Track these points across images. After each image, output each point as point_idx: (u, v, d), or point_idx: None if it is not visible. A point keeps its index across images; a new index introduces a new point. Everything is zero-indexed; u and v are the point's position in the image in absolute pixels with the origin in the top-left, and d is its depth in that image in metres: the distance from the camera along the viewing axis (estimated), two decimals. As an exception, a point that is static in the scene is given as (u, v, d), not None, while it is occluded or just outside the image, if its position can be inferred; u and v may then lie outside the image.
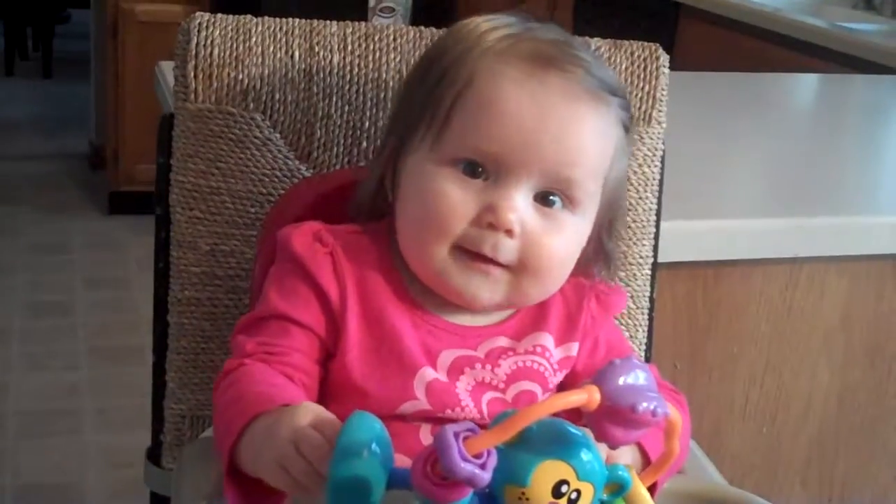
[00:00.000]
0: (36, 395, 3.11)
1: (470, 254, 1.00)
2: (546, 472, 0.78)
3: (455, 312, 1.05)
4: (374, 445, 0.78)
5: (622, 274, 1.31)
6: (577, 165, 1.00)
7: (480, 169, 1.00)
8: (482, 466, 0.73)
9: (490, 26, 1.04)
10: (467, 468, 0.72)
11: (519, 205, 0.99)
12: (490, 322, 1.07)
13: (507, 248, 1.00)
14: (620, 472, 0.82)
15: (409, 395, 1.01)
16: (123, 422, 2.94)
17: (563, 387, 1.08)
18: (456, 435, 0.73)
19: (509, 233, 0.99)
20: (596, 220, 1.07)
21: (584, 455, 0.79)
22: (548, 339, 1.07)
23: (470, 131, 1.00)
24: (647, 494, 0.85)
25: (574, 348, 1.09)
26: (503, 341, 1.06)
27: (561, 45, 1.03)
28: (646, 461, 1.01)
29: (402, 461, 0.99)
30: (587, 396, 0.77)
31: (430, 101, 1.03)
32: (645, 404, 0.77)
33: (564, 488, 0.78)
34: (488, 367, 1.04)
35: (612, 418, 0.78)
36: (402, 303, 1.04)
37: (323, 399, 1.01)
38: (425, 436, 1.01)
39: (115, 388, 3.12)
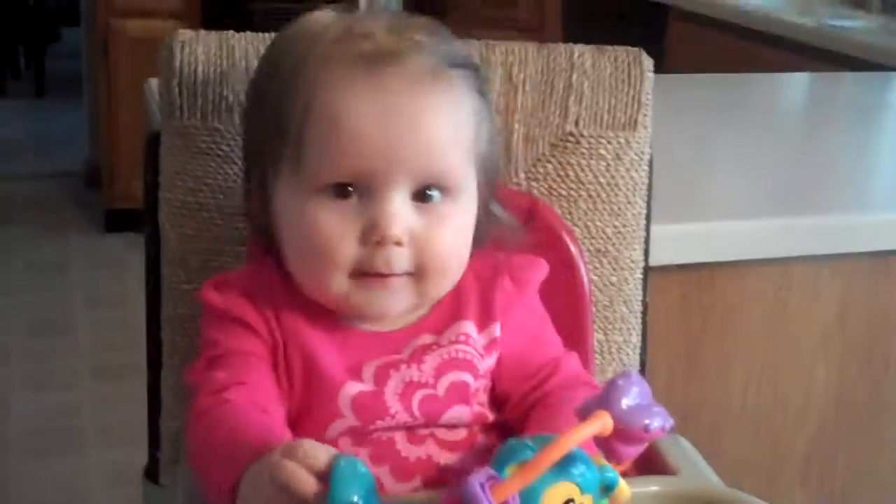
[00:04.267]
0: (38, 414, 3.11)
1: (366, 274, 0.99)
2: (554, 495, 0.78)
3: (375, 321, 1.04)
4: (360, 502, 0.77)
5: (614, 279, 1.31)
6: (441, 156, 0.99)
7: (350, 188, 0.98)
8: None
9: (318, 29, 1.01)
10: None
11: (398, 213, 0.98)
12: (411, 321, 1.05)
13: (401, 259, 0.99)
14: (609, 474, 0.82)
15: (335, 415, 1.00)
16: (126, 439, 2.93)
17: (495, 375, 1.07)
18: (482, 486, 0.73)
19: (398, 244, 0.98)
20: (478, 191, 1.06)
21: (583, 468, 0.80)
22: (469, 326, 1.06)
23: (325, 154, 0.98)
24: (627, 487, 0.85)
25: (496, 329, 1.07)
26: (426, 338, 1.05)
27: (392, 30, 1.00)
28: None
29: None
30: (601, 424, 0.78)
31: (277, 125, 1.01)
32: (657, 422, 0.79)
33: None
34: (413, 365, 1.03)
35: (624, 439, 0.79)
36: (321, 323, 1.03)
37: None
38: (345, 445, 1.00)
39: (117, 406, 3.12)
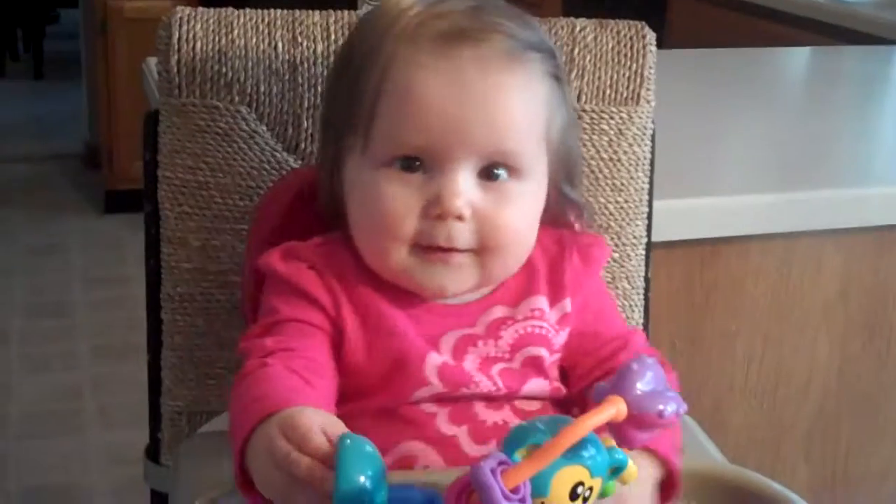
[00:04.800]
0: (37, 396, 3.11)
1: (428, 248, 0.99)
2: (563, 479, 0.77)
3: (436, 298, 1.04)
4: (368, 483, 0.76)
5: (616, 255, 1.30)
6: (509, 136, 0.99)
7: (417, 163, 0.99)
8: (521, 500, 0.73)
9: (399, 9, 1.02)
10: None
11: (463, 188, 0.98)
12: (483, 294, 1.06)
13: (463, 234, 0.99)
14: (618, 456, 0.82)
15: (421, 382, 1.00)
16: (126, 420, 2.93)
17: (566, 347, 1.08)
18: (493, 472, 0.72)
19: (460, 218, 0.98)
20: (550, 176, 1.06)
21: (593, 451, 0.79)
22: (542, 302, 1.07)
23: (395, 128, 0.99)
24: (634, 468, 0.84)
25: (567, 305, 1.08)
26: (500, 311, 1.05)
27: (473, 12, 1.01)
28: (668, 472, 1.00)
29: (417, 450, 0.99)
30: (615, 409, 0.77)
31: (352, 101, 1.02)
32: (671, 407, 0.78)
33: (580, 489, 0.78)
34: (490, 341, 1.04)
35: (638, 425, 0.78)
36: (392, 297, 1.03)
37: (339, 398, 1.00)
38: (442, 423, 1.00)
39: (117, 387, 3.13)
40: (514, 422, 1.01)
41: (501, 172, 1.00)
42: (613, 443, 0.81)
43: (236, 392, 0.96)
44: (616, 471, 0.82)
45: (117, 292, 3.75)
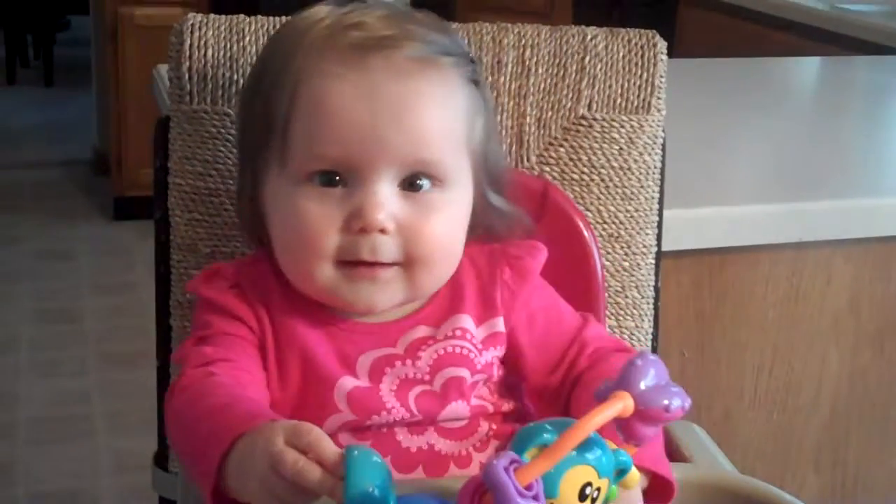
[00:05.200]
0: (46, 401, 3.11)
1: (352, 264, 0.98)
2: (572, 479, 0.78)
3: (364, 316, 1.03)
4: (377, 492, 0.76)
5: (626, 264, 1.30)
6: (428, 144, 0.98)
7: (336, 177, 0.97)
8: (535, 497, 0.72)
9: (309, 21, 1.01)
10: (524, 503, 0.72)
11: (383, 201, 0.96)
12: (406, 313, 1.04)
13: (387, 247, 0.97)
14: (623, 458, 0.82)
15: (331, 409, 0.99)
16: (134, 426, 2.93)
17: (506, 362, 1.06)
18: (506, 470, 0.72)
19: (383, 231, 0.97)
20: (475, 183, 1.04)
21: (599, 452, 0.79)
22: (467, 321, 1.05)
23: (310, 141, 0.97)
24: (636, 472, 0.85)
25: (499, 324, 1.06)
26: (422, 331, 1.04)
27: (386, 20, 0.99)
28: (648, 472, 0.99)
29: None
30: (622, 405, 0.77)
31: (267, 118, 1.00)
32: (676, 402, 0.78)
33: (588, 489, 0.78)
34: (409, 361, 1.02)
35: (644, 420, 0.79)
36: (313, 317, 1.02)
37: None
38: (344, 439, 0.99)
39: (125, 393, 3.13)
40: (439, 443, 1.01)
41: (424, 182, 0.99)
42: (617, 445, 0.82)
43: (182, 402, 0.94)
44: (620, 473, 0.82)
45: (126, 299, 3.75)
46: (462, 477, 0.79)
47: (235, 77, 1.20)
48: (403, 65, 0.97)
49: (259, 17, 1.23)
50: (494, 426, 1.04)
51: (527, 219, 1.13)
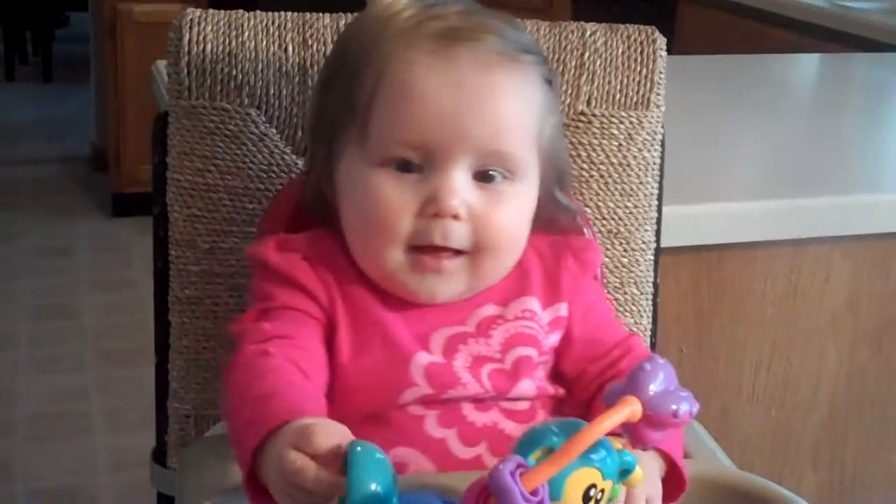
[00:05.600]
0: (44, 398, 3.11)
1: (423, 249, 1.00)
2: (577, 482, 0.77)
3: (425, 303, 1.04)
4: (380, 489, 0.76)
5: (625, 260, 1.30)
6: (503, 136, 1.00)
7: (414, 163, 0.99)
8: (541, 502, 0.72)
9: (394, 10, 1.03)
10: None
11: (459, 188, 0.99)
12: (475, 292, 1.05)
13: (458, 233, 0.99)
14: (627, 458, 0.82)
15: (407, 383, 1.00)
16: (132, 423, 2.93)
17: (559, 352, 1.08)
18: (512, 475, 0.72)
19: (456, 217, 0.99)
20: (541, 179, 1.06)
21: (604, 454, 0.79)
22: (534, 303, 1.07)
23: (391, 126, 0.99)
24: (641, 472, 0.84)
25: (562, 308, 1.08)
26: (491, 309, 1.05)
27: (466, 15, 1.01)
28: (668, 461, 1.00)
29: (406, 456, 0.99)
30: (630, 410, 0.77)
31: (347, 101, 1.02)
32: (684, 406, 0.79)
33: (592, 491, 0.78)
34: (481, 340, 1.04)
35: (652, 425, 0.78)
36: (382, 294, 1.03)
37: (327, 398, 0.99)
38: (431, 426, 1.01)
39: (123, 390, 3.12)
40: (503, 423, 1.02)
41: (496, 174, 1.01)
42: (621, 445, 0.81)
43: (236, 380, 0.95)
44: (624, 473, 0.82)
45: (124, 295, 3.75)
46: (466, 475, 0.79)
47: (234, 72, 1.20)
48: (488, 58, 0.99)
49: (258, 12, 1.23)
50: (548, 415, 1.06)
51: (578, 213, 1.17)
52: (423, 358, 1.01)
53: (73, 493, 2.71)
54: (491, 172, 1.00)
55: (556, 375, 1.09)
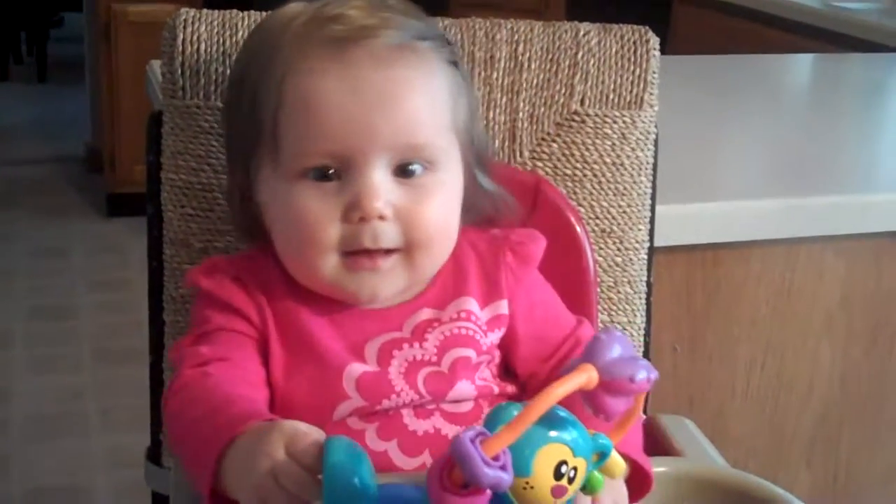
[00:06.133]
0: (40, 398, 3.11)
1: (355, 254, 0.99)
2: (545, 458, 0.78)
3: (368, 304, 1.04)
4: (357, 481, 0.76)
5: (619, 259, 1.30)
6: (416, 129, 0.99)
7: (331, 171, 0.98)
8: (503, 468, 0.73)
9: (286, 19, 1.02)
10: (491, 473, 0.72)
11: (379, 188, 0.98)
12: (410, 297, 1.05)
13: (388, 233, 0.99)
14: (602, 441, 0.82)
15: (341, 397, 0.99)
16: (128, 422, 2.93)
17: (503, 348, 1.07)
18: (472, 441, 0.72)
19: (382, 218, 0.98)
20: (463, 164, 1.05)
21: (574, 431, 0.79)
22: (471, 303, 1.06)
23: (300, 140, 0.98)
24: (620, 459, 0.85)
25: (503, 306, 1.07)
26: (427, 313, 1.05)
27: (360, 10, 1.00)
28: (629, 461, 0.99)
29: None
30: (586, 376, 0.78)
31: (254, 121, 1.01)
32: (642, 373, 0.79)
33: (564, 468, 0.78)
34: (416, 344, 1.03)
35: (610, 391, 0.79)
36: (318, 307, 1.03)
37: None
38: (371, 439, 0.99)
39: (119, 390, 3.13)
40: (445, 428, 1.02)
41: (416, 167, 1.00)
42: (595, 431, 0.82)
43: (179, 404, 0.95)
44: (601, 457, 0.83)
45: (119, 295, 3.75)
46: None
47: (228, 72, 1.19)
48: (384, 53, 0.98)
49: (252, 12, 1.23)
50: None
51: (512, 200, 1.14)
52: (355, 370, 1.00)
53: (69, 492, 2.71)
54: (411, 167, 0.99)
55: (508, 374, 1.08)
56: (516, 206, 1.15)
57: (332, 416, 0.99)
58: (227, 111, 1.10)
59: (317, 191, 0.99)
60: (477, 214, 1.10)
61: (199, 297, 1.06)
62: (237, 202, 1.08)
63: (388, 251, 1.00)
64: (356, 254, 0.99)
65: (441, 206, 1.02)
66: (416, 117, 0.99)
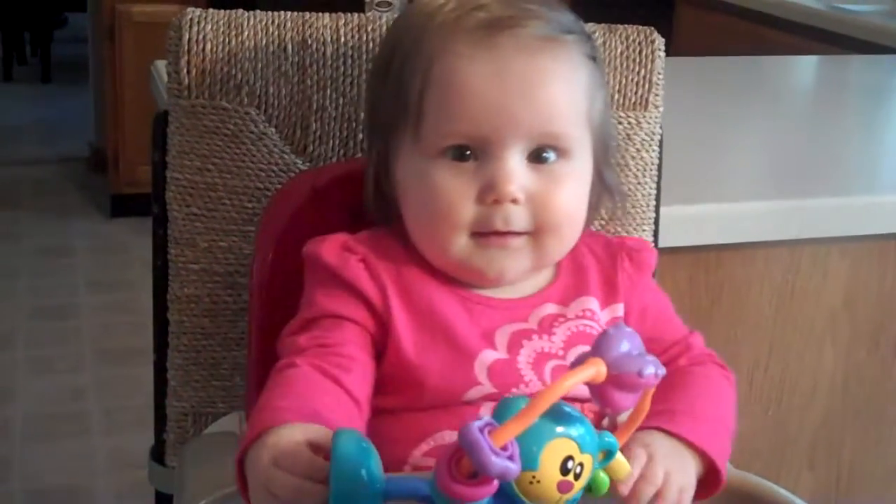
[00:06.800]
0: (42, 398, 3.11)
1: (485, 234, 1.02)
2: (552, 452, 0.78)
3: (497, 288, 1.06)
4: (363, 472, 0.77)
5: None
6: (553, 118, 1.01)
7: (468, 151, 1.01)
8: (511, 458, 0.73)
9: (434, 5, 1.04)
10: (499, 462, 0.72)
11: (514, 172, 1.00)
12: (534, 290, 1.07)
13: (519, 217, 1.01)
14: (608, 440, 0.83)
15: (472, 382, 1.01)
16: (130, 422, 2.94)
17: None
18: (481, 430, 0.72)
19: (515, 202, 1.00)
20: (593, 155, 1.08)
21: (582, 428, 0.80)
22: (593, 303, 1.08)
23: (443, 118, 1.01)
24: (625, 460, 0.86)
25: (619, 309, 1.09)
26: (551, 308, 1.07)
27: (505, 2, 1.03)
28: (710, 466, 1.00)
29: (451, 438, 0.99)
30: (595, 370, 0.78)
31: (399, 100, 1.04)
32: (650, 368, 0.79)
33: (570, 464, 0.78)
34: (544, 336, 1.05)
35: (618, 386, 0.80)
36: (446, 289, 1.05)
37: (379, 392, 1.01)
38: (486, 415, 0.98)
39: (121, 390, 3.13)
40: None
41: (550, 155, 1.02)
42: (605, 430, 0.82)
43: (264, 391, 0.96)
44: (607, 456, 0.83)
45: (122, 296, 3.75)
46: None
47: (234, 72, 1.20)
48: (530, 43, 1.01)
49: (257, 11, 1.23)
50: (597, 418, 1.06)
51: (624, 196, 1.19)
52: (488, 356, 1.02)
53: (71, 492, 2.71)
54: (545, 154, 1.02)
55: None
56: (625, 202, 1.20)
57: (461, 398, 1.01)
58: (370, 91, 1.14)
59: (454, 170, 1.01)
60: (598, 206, 1.13)
61: (317, 274, 1.06)
62: (374, 178, 1.09)
63: (518, 234, 1.02)
64: (486, 234, 1.02)
65: (571, 194, 1.04)
66: (554, 106, 1.02)
